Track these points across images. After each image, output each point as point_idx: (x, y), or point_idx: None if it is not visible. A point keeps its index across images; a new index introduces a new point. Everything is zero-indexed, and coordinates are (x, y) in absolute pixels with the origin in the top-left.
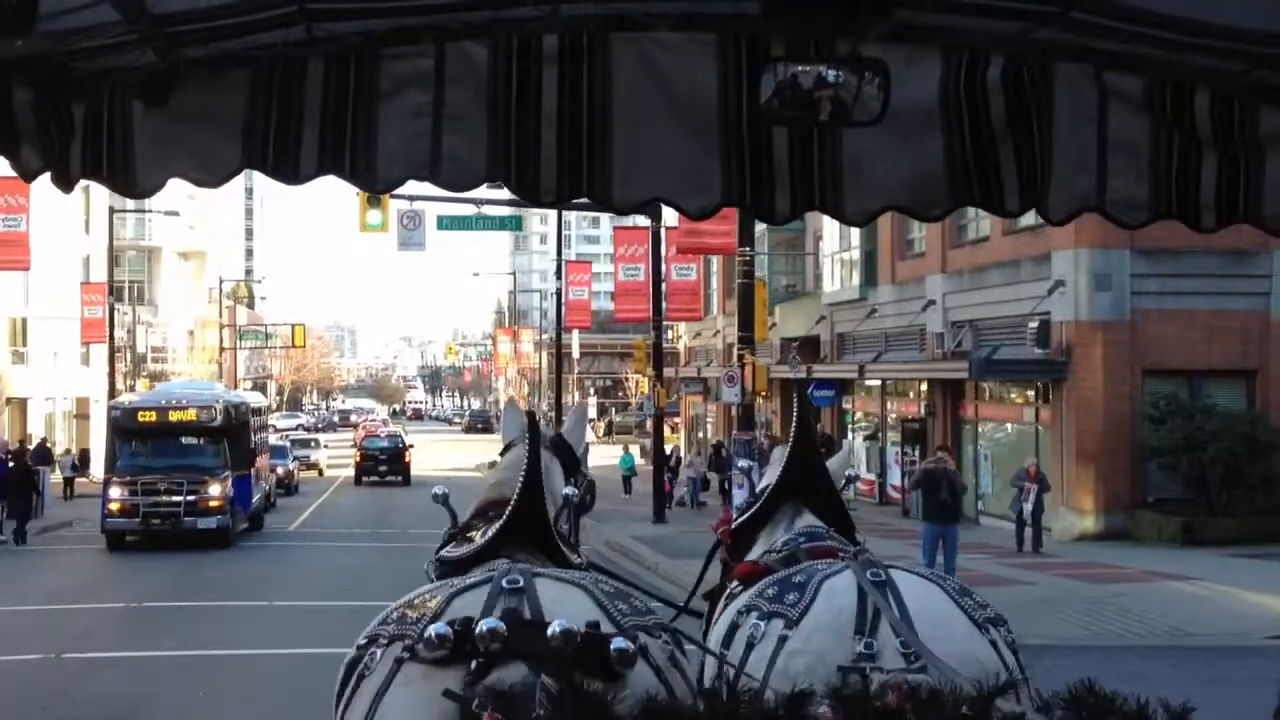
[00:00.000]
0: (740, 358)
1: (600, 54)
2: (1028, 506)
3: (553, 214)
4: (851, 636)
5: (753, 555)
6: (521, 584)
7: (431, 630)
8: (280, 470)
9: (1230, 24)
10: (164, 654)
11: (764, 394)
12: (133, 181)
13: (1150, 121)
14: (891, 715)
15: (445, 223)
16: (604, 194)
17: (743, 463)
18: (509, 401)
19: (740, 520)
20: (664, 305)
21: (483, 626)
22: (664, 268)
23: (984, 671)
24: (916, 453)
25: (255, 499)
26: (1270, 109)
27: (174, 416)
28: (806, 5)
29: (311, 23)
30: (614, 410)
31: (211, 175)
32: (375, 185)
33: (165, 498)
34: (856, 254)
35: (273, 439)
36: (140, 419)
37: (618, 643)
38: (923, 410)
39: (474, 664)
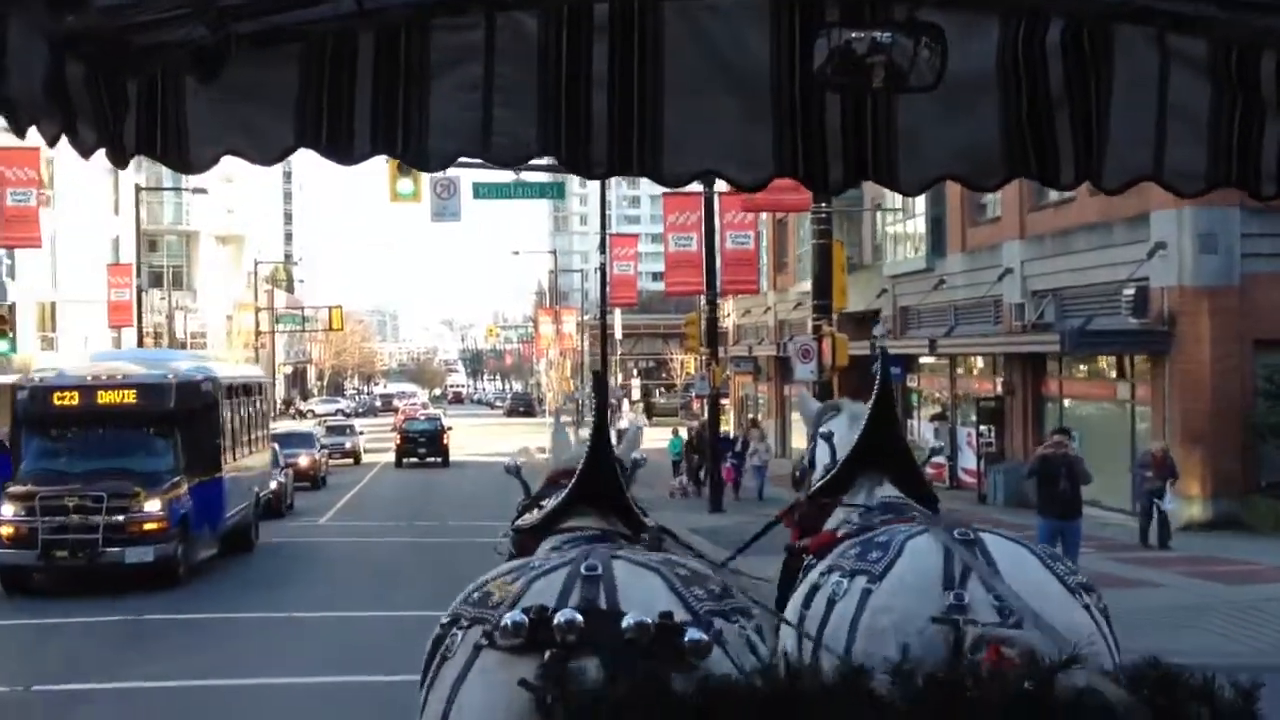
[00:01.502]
0: (817, 329)
1: (651, 22)
2: (1167, 504)
3: (593, 193)
4: (940, 592)
5: (830, 525)
6: (600, 570)
7: (508, 619)
8: (305, 461)
9: None
10: (156, 685)
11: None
12: (186, 158)
13: (1212, 86)
14: (949, 689)
15: (482, 191)
16: (654, 167)
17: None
18: (556, 423)
19: (816, 488)
20: (718, 278)
21: (560, 619)
22: (718, 236)
23: (1079, 636)
24: (992, 434)
25: (233, 511)
26: None
27: (105, 399)
28: None
29: None
30: (658, 392)
31: (264, 153)
32: (428, 163)
33: (76, 519)
34: (922, 221)
35: (304, 425)
36: (57, 402)
37: (692, 634)
38: (999, 388)
39: (548, 654)
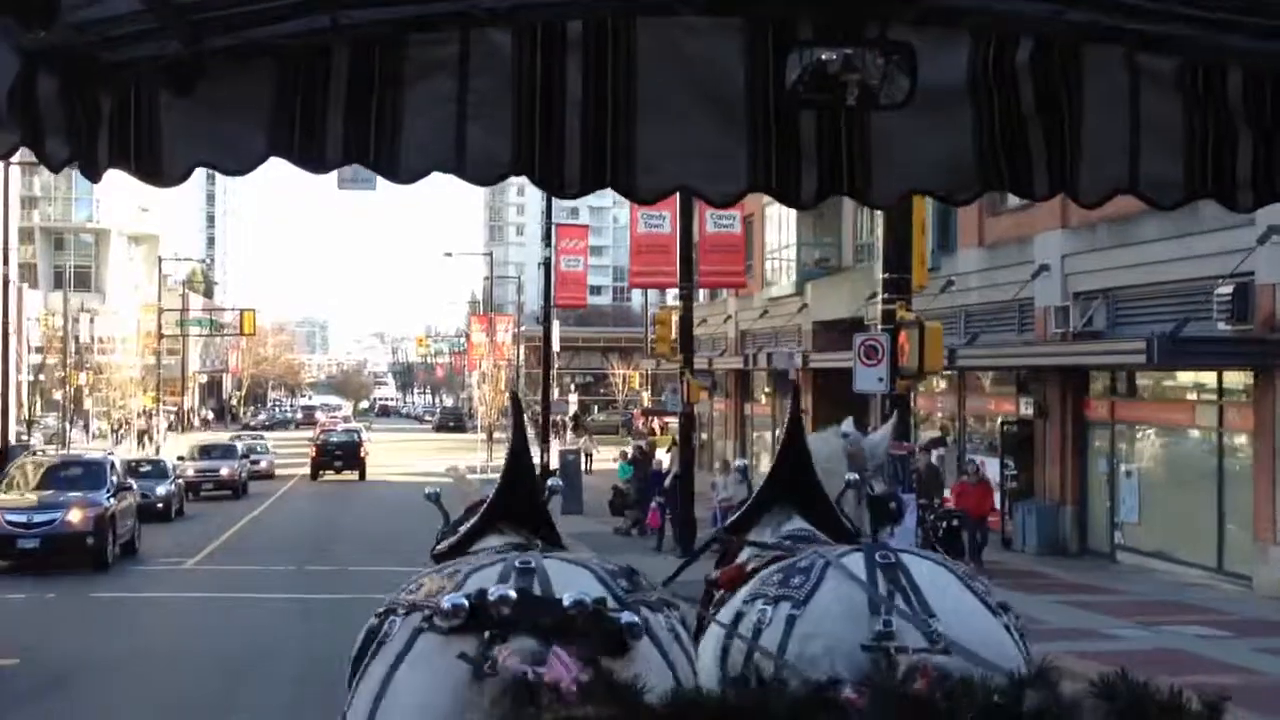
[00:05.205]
0: (889, 315)
1: (625, 40)
2: None
3: (530, 201)
4: (867, 617)
5: (741, 559)
6: (533, 564)
7: (447, 601)
8: (76, 517)
9: (1263, 1)
10: None
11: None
12: (159, 170)
13: (1183, 102)
14: (919, 702)
15: None
16: (628, 184)
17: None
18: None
19: (727, 524)
20: (695, 267)
21: (494, 593)
22: (696, 217)
23: (1004, 655)
24: (1015, 464)
25: None
26: None
27: None
28: None
29: (336, 10)
30: (595, 408)
31: (238, 163)
32: (398, 176)
33: None
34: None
35: (95, 449)
36: None
37: (627, 616)
38: (1029, 408)
39: (487, 634)
